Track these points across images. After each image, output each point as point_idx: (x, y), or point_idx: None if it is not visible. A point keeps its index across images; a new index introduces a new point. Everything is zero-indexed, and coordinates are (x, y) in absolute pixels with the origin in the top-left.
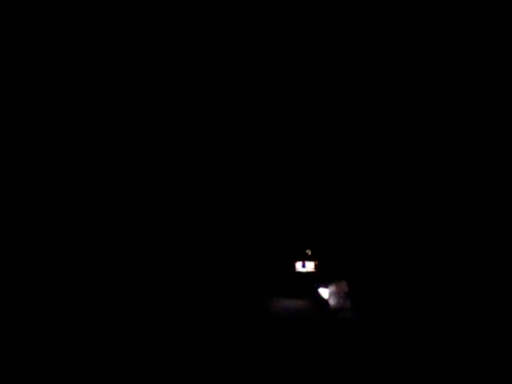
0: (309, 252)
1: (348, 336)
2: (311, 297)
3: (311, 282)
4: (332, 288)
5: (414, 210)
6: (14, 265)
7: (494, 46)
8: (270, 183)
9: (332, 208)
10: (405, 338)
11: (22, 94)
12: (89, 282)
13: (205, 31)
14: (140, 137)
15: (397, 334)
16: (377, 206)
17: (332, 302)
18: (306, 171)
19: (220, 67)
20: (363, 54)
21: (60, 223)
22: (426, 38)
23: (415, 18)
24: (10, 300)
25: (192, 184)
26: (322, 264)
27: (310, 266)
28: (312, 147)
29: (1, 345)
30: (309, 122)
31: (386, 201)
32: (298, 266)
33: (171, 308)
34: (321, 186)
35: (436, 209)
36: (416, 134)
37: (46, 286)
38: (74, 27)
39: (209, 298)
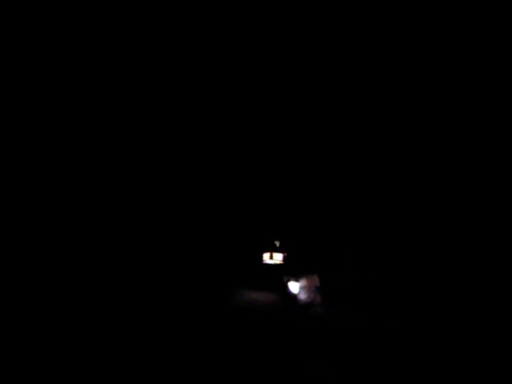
0: (277, 243)
1: (319, 332)
2: (279, 290)
3: (279, 274)
4: (303, 282)
5: (388, 200)
6: (14, 265)
7: (494, 46)
8: (237, 171)
9: (301, 197)
10: (380, 333)
11: (22, 94)
12: (88, 281)
13: (204, 31)
14: (138, 137)
15: (372, 329)
16: (349, 196)
17: (302, 296)
18: (276, 160)
19: (219, 67)
20: (363, 54)
21: (60, 223)
22: (425, 39)
23: (415, 18)
24: (10, 300)
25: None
26: (291, 256)
27: (277, 258)
28: (284, 138)
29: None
30: (282, 109)
31: (358, 190)
32: (266, 257)
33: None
34: (291, 176)
35: (412, 199)
36: (404, 131)
37: (46, 285)
38: (74, 27)
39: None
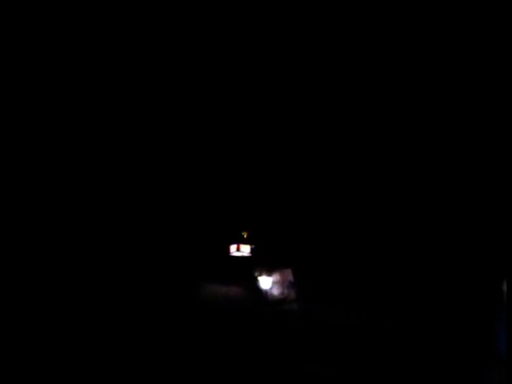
0: (244, 234)
1: (294, 329)
2: (248, 284)
3: (248, 267)
4: (275, 277)
5: (362, 188)
6: (14, 265)
7: (494, 46)
8: (203, 161)
9: (271, 186)
10: (377, 333)
11: (22, 94)
12: (86, 281)
13: (204, 31)
14: (137, 138)
15: (368, 328)
16: (323, 185)
17: (276, 291)
18: (247, 149)
19: (218, 67)
20: (363, 54)
21: (57, 223)
22: (425, 39)
23: (414, 18)
24: (10, 300)
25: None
26: (261, 248)
27: (245, 250)
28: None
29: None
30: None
31: (331, 179)
32: (232, 249)
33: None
34: (260, 163)
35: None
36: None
37: (45, 285)
38: (74, 27)
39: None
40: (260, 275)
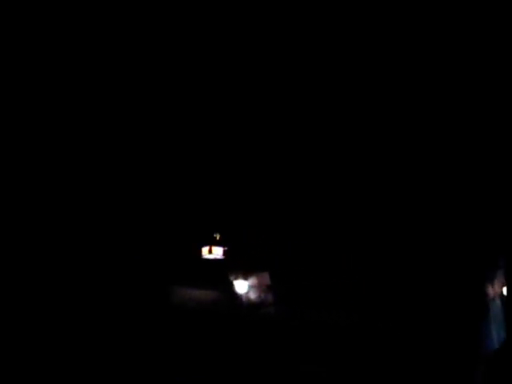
0: (217, 236)
1: (271, 334)
2: (222, 288)
3: (221, 270)
4: (252, 280)
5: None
6: (15, 265)
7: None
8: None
9: (244, 186)
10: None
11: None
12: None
13: (204, 31)
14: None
15: (332, 326)
16: (299, 185)
17: (252, 295)
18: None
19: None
20: (362, 54)
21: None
22: (425, 39)
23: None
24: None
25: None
26: (234, 250)
27: (217, 253)
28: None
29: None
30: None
31: (309, 179)
32: (204, 251)
33: None
34: (235, 164)
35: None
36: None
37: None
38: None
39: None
40: (236, 279)
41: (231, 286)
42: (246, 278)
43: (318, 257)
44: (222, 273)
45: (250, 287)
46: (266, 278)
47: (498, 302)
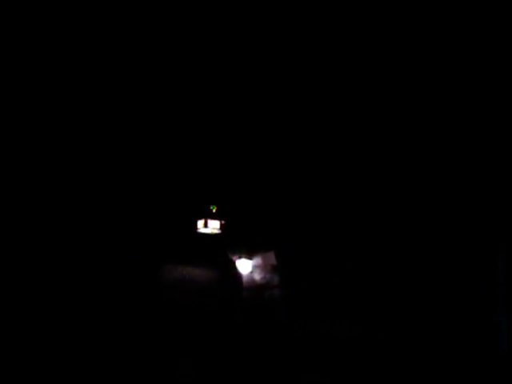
0: (213, 208)
1: (277, 319)
2: (220, 266)
3: (219, 247)
4: (257, 260)
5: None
6: (12, 266)
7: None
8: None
9: (243, 152)
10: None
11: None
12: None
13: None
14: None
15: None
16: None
17: (257, 276)
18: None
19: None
20: (362, 54)
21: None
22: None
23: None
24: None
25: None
26: (233, 225)
27: (214, 226)
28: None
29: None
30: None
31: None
32: (200, 225)
33: None
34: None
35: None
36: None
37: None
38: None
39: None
40: (239, 258)
41: (232, 264)
42: (250, 257)
43: (327, 236)
44: (220, 250)
45: (255, 267)
46: (272, 257)
47: None
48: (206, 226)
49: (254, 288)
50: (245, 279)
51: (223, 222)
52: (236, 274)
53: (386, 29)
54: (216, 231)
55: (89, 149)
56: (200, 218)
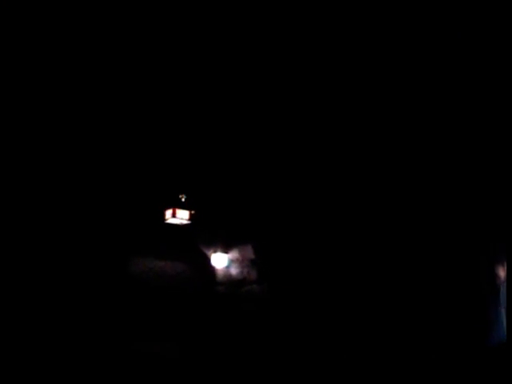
0: (182, 197)
1: (256, 316)
2: (192, 260)
3: (190, 238)
4: (233, 253)
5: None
6: None
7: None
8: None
9: (217, 135)
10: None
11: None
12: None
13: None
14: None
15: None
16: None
17: (233, 271)
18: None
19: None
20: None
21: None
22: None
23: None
24: None
25: None
26: (204, 215)
27: (182, 216)
28: None
29: None
30: None
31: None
32: (168, 215)
33: None
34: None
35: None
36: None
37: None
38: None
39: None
40: (214, 251)
41: (205, 258)
42: (226, 251)
43: (310, 233)
44: (191, 242)
45: (231, 261)
46: (250, 251)
47: None
48: (174, 216)
49: (231, 283)
50: (220, 274)
51: (193, 212)
52: (210, 269)
53: (385, 29)
54: (185, 222)
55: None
56: (168, 208)
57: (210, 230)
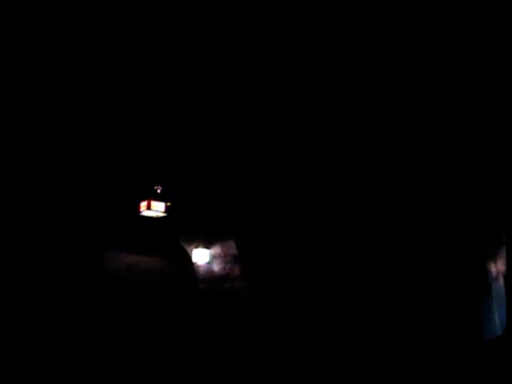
0: (158, 188)
1: (240, 313)
2: (172, 255)
3: (169, 233)
4: (215, 249)
5: None
6: None
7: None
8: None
9: (195, 123)
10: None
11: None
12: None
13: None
14: None
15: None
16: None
17: (215, 267)
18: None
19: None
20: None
21: None
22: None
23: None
24: None
25: None
26: (183, 208)
27: (158, 209)
28: None
29: None
30: None
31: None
32: (142, 207)
33: None
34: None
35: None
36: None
37: None
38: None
39: None
40: (196, 247)
41: (186, 254)
42: (207, 247)
43: (295, 228)
44: (170, 236)
45: (213, 257)
46: (232, 246)
47: (502, 281)
48: (149, 208)
49: (213, 280)
50: (202, 270)
51: (169, 204)
52: (191, 265)
53: (385, 29)
54: (161, 214)
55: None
56: (143, 200)
57: (191, 224)
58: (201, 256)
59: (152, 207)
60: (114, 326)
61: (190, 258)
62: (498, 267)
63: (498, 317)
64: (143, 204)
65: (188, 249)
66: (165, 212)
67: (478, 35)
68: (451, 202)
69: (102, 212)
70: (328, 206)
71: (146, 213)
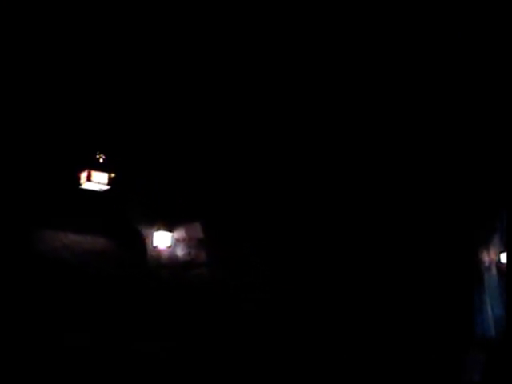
0: (100, 157)
1: (205, 303)
2: (118, 234)
3: (113, 208)
4: (180, 232)
5: None
6: None
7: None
8: None
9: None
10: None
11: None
12: None
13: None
14: None
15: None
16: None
17: (180, 252)
18: None
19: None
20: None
21: None
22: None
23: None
24: None
25: None
26: (127, 178)
27: (100, 181)
28: None
29: None
30: None
31: None
32: (83, 178)
33: None
34: None
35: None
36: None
37: None
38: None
39: None
40: (157, 230)
41: (141, 235)
42: (170, 229)
43: (264, 204)
44: (119, 214)
45: (176, 241)
46: (198, 229)
47: (494, 270)
48: (89, 179)
49: (176, 266)
50: (164, 255)
51: (113, 175)
52: (150, 248)
53: (385, 29)
54: (105, 187)
55: None
56: (82, 170)
57: (147, 201)
58: (162, 240)
59: (93, 178)
60: (54, 315)
61: (149, 241)
62: (490, 256)
63: (490, 309)
64: (83, 175)
65: (148, 231)
66: (108, 184)
67: (478, 35)
68: (442, 188)
69: (35, 183)
70: (324, 202)
71: (86, 185)
